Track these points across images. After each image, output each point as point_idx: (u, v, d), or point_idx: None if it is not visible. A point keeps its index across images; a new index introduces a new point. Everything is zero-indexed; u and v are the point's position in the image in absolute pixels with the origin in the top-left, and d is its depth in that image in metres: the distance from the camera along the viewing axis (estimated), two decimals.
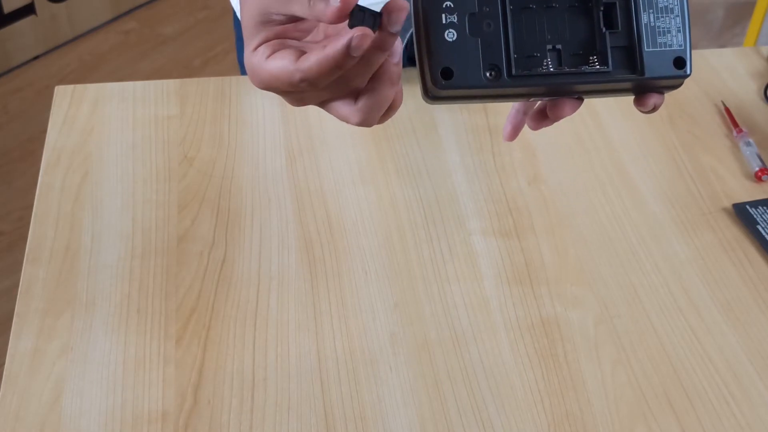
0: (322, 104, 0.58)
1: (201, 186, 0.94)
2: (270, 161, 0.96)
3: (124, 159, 0.96)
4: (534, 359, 0.80)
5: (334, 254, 0.88)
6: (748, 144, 0.99)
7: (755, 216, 0.92)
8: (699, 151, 1.00)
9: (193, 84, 1.04)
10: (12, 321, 0.81)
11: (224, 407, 0.76)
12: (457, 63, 0.57)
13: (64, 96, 1.02)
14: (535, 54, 0.58)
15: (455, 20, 0.57)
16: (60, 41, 2.45)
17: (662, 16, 0.58)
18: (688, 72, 0.58)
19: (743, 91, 1.06)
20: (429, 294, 0.85)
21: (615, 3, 0.58)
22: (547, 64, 0.58)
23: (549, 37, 0.58)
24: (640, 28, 0.58)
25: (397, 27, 0.53)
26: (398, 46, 0.56)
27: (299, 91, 0.56)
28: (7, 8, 2.31)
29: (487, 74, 0.57)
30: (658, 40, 0.58)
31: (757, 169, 0.96)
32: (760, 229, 0.91)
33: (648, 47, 0.58)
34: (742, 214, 0.92)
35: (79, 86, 1.04)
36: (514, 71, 0.57)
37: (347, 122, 0.58)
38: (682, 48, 0.58)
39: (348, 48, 0.52)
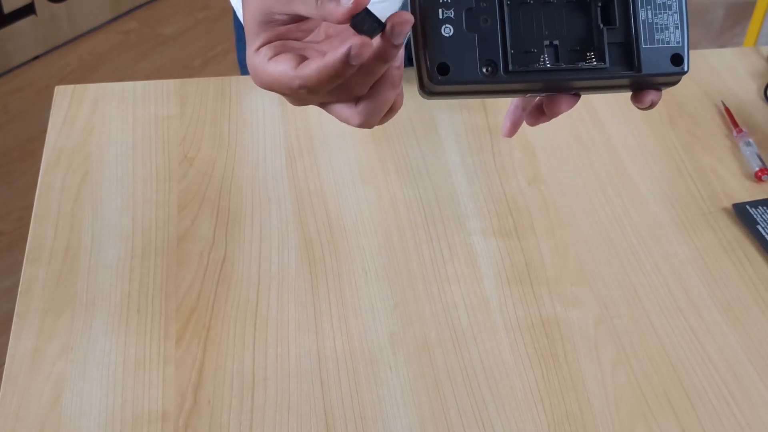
0: (323, 105, 0.58)
1: (201, 186, 0.94)
2: (270, 161, 0.96)
3: (124, 159, 0.96)
4: (534, 359, 0.80)
5: (334, 254, 0.88)
6: (748, 144, 0.99)
7: (755, 216, 0.92)
8: (699, 151, 1.00)
9: (193, 84, 1.04)
10: (12, 321, 0.81)
11: (224, 407, 0.76)
12: (453, 58, 0.57)
13: (64, 96, 1.02)
14: (532, 50, 0.58)
15: (452, 15, 0.57)
16: (60, 41, 2.45)
17: (660, 13, 0.58)
18: (686, 69, 0.58)
19: (743, 91, 1.06)
20: (429, 294, 0.85)
21: None
22: (544, 60, 0.57)
23: (546, 32, 0.58)
24: (637, 24, 0.58)
25: (400, 39, 0.53)
26: (401, 49, 0.56)
27: (299, 95, 0.56)
28: (7, 8, 2.31)
29: (484, 70, 0.57)
30: (656, 37, 0.58)
31: (757, 169, 0.96)
32: (760, 229, 0.91)
33: (645, 44, 0.58)
34: (742, 214, 0.92)
35: (79, 86, 1.04)
36: (510, 67, 0.57)
37: (347, 124, 0.58)
38: (680, 45, 0.58)
39: (347, 57, 0.52)
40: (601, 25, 0.58)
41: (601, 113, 1.03)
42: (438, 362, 0.80)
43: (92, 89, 1.03)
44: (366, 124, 0.58)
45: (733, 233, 0.91)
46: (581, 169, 0.97)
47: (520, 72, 0.57)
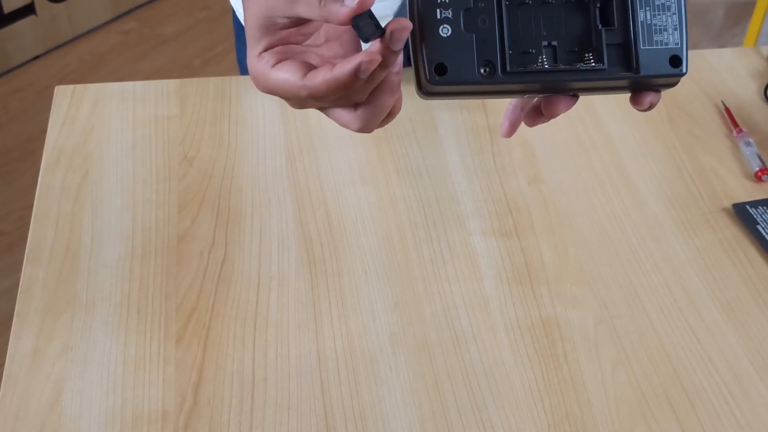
0: (323, 109, 0.59)
1: (201, 186, 0.94)
2: (270, 161, 0.96)
3: (124, 159, 0.96)
4: (534, 359, 0.80)
5: (334, 254, 0.88)
6: (748, 144, 0.99)
7: (755, 216, 0.92)
8: (699, 151, 1.00)
9: (193, 84, 1.04)
10: (12, 321, 0.81)
11: (224, 407, 0.76)
12: (451, 59, 0.57)
13: (64, 96, 1.02)
14: (530, 50, 0.57)
15: (450, 15, 0.57)
16: (60, 41, 2.45)
17: (659, 14, 0.58)
18: (684, 71, 0.58)
19: (743, 91, 1.06)
20: (429, 294, 0.85)
21: (611, 0, 0.58)
22: (542, 61, 0.57)
23: (544, 33, 0.58)
24: (636, 25, 0.58)
25: (399, 45, 0.53)
26: (400, 55, 0.56)
27: (304, 102, 0.57)
28: (7, 8, 2.31)
29: (481, 70, 0.57)
30: (654, 38, 0.58)
31: (757, 169, 0.96)
32: (760, 229, 0.91)
33: (644, 45, 0.58)
34: (742, 214, 0.92)
35: (79, 86, 1.04)
36: (508, 68, 0.57)
37: (347, 128, 0.59)
38: (679, 46, 0.58)
39: (357, 71, 0.53)
40: (600, 26, 0.58)
41: (601, 113, 1.03)
42: (438, 362, 0.80)
43: (92, 89, 1.03)
44: (365, 128, 0.58)
45: (733, 233, 0.91)
46: (581, 169, 0.97)
47: (518, 73, 0.57)
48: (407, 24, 0.53)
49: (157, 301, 0.84)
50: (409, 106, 1.00)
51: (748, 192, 0.95)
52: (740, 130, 1.00)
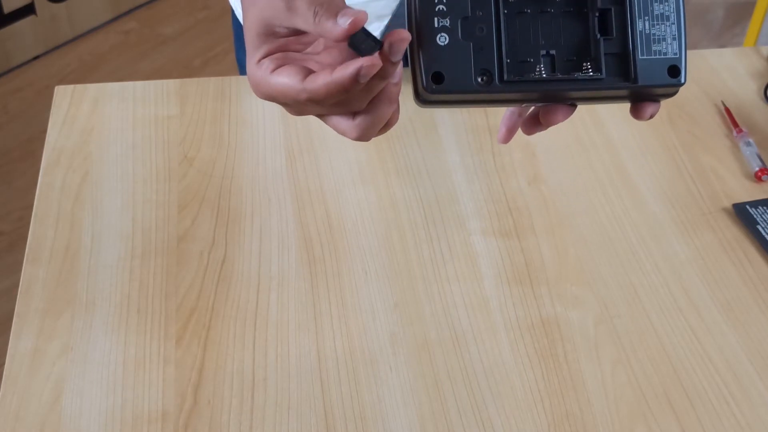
0: (321, 116, 0.59)
1: (201, 186, 0.94)
2: (270, 161, 0.96)
3: (124, 159, 0.96)
4: (534, 359, 0.80)
5: (334, 254, 0.88)
6: (748, 144, 0.99)
7: (755, 216, 0.92)
8: (699, 151, 1.00)
9: (193, 84, 1.04)
10: (12, 321, 0.81)
11: (224, 407, 0.76)
12: (448, 67, 0.56)
13: (64, 96, 1.02)
14: (528, 59, 0.57)
15: (448, 24, 0.56)
16: (60, 41, 2.45)
17: (658, 24, 0.58)
18: (683, 81, 0.58)
19: (743, 91, 1.06)
20: (429, 294, 0.85)
21: (610, 9, 0.57)
22: (540, 70, 0.57)
23: (542, 42, 0.57)
24: (634, 35, 0.57)
25: (397, 57, 0.54)
26: (399, 66, 0.56)
27: (303, 107, 0.57)
28: (7, 8, 2.31)
29: (479, 79, 0.57)
30: (653, 48, 0.58)
31: (757, 169, 0.96)
32: (760, 229, 0.91)
33: (642, 55, 0.57)
34: (742, 214, 0.92)
35: (79, 86, 1.04)
36: (506, 77, 0.57)
37: (345, 136, 0.59)
38: (677, 56, 0.58)
39: (357, 75, 0.53)
40: (598, 36, 0.57)
41: (601, 113, 1.03)
42: (438, 362, 0.80)
43: (92, 89, 1.03)
44: (363, 137, 0.59)
45: (733, 233, 0.91)
46: (581, 169, 0.97)
47: (516, 82, 0.57)
48: (406, 35, 0.53)
49: (157, 301, 0.84)
50: (409, 106, 1.00)
51: (748, 192, 0.95)
52: (740, 130, 1.00)
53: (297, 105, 0.58)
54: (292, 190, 0.94)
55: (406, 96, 0.60)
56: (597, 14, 0.57)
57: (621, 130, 1.01)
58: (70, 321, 0.82)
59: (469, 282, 0.86)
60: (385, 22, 1.02)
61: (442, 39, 0.56)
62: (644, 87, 0.58)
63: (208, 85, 1.04)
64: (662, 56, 0.57)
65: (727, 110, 1.03)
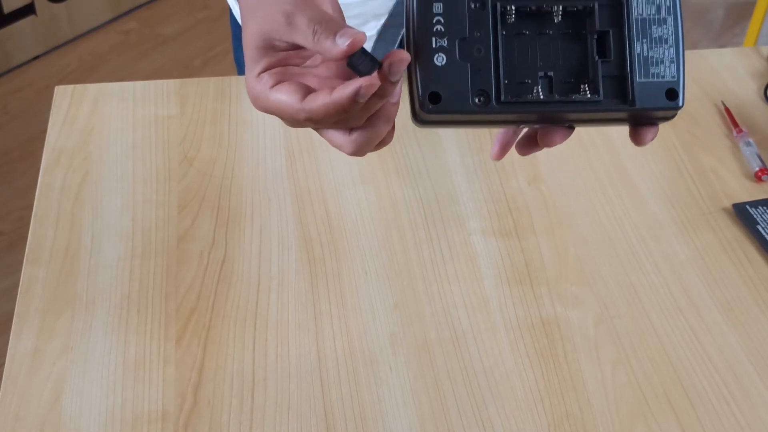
0: (318, 129, 0.60)
1: (201, 186, 0.94)
2: (270, 161, 0.96)
3: (124, 159, 0.96)
4: (534, 359, 0.80)
5: (334, 254, 0.88)
6: (748, 144, 0.99)
7: (755, 216, 0.92)
8: (699, 151, 1.00)
9: (193, 84, 1.04)
10: (12, 321, 0.81)
11: (224, 407, 0.76)
12: (445, 87, 0.56)
13: (64, 96, 1.02)
14: (526, 80, 0.57)
15: (445, 44, 0.56)
16: (60, 41, 2.45)
17: (656, 47, 0.57)
18: (681, 104, 0.57)
19: (743, 91, 1.06)
20: (429, 294, 0.85)
21: (609, 31, 0.57)
22: (537, 92, 0.57)
23: (540, 63, 0.57)
24: (632, 57, 0.57)
25: (396, 76, 0.54)
26: (398, 85, 0.56)
27: (300, 123, 0.58)
28: (7, 8, 2.31)
29: (476, 100, 0.56)
30: (651, 71, 0.57)
31: (757, 169, 0.96)
32: (760, 229, 0.91)
33: (640, 77, 0.57)
34: (742, 214, 0.92)
35: (79, 86, 1.04)
36: (503, 98, 0.56)
37: (340, 150, 0.59)
38: (675, 79, 0.57)
39: (356, 96, 0.53)
40: (596, 58, 0.57)
41: None
42: (438, 362, 0.80)
43: (92, 89, 1.03)
44: (358, 152, 0.59)
45: (733, 233, 0.91)
46: (581, 169, 0.97)
47: (513, 103, 0.56)
48: (405, 56, 0.54)
49: (157, 301, 0.84)
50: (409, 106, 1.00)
51: (748, 192, 0.95)
52: (740, 130, 1.00)
53: (295, 122, 0.58)
54: (292, 190, 0.94)
55: (405, 97, 0.60)
56: (595, 36, 0.57)
57: (621, 130, 1.01)
58: (70, 321, 0.82)
59: (469, 282, 0.86)
60: (382, 21, 1.02)
61: (440, 59, 0.56)
62: (642, 110, 0.57)
63: (208, 85, 1.04)
64: (660, 79, 0.57)
65: (727, 110, 1.03)
